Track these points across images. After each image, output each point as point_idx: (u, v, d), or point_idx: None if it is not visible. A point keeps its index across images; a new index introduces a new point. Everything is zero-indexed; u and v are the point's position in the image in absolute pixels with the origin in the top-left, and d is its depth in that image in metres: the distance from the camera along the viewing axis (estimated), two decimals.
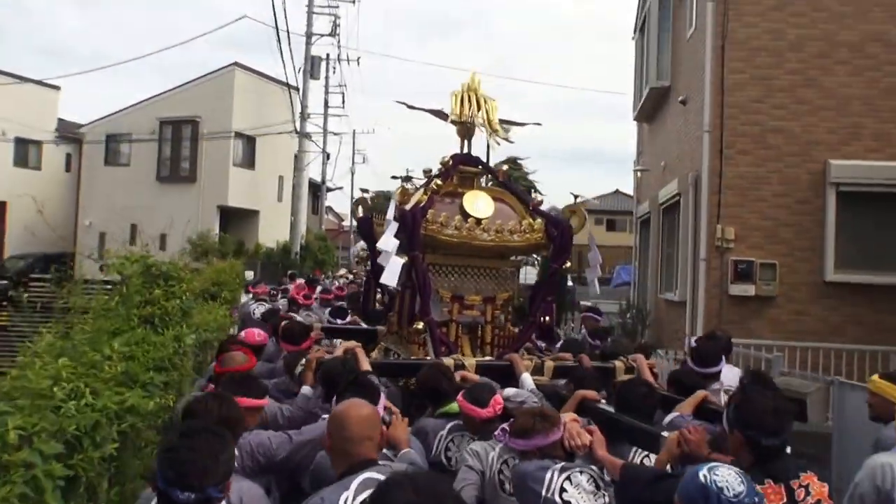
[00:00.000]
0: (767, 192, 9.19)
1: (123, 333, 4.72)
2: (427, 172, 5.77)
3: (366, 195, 6.27)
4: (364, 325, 6.67)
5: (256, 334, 5.71)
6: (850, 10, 9.00)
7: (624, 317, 14.02)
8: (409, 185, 6.11)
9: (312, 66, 26.59)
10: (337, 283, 16.60)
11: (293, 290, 10.60)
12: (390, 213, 5.25)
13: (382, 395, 3.52)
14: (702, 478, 2.18)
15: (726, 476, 2.17)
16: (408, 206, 5.23)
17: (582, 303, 17.31)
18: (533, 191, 17.51)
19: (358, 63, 32.41)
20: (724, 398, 4.38)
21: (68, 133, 30.29)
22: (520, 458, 3.17)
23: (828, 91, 9.09)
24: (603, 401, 4.03)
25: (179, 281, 5.38)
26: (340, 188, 36.83)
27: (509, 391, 4.24)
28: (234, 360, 4.39)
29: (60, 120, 30.91)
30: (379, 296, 6.48)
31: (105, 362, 3.65)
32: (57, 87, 30.47)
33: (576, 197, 5.79)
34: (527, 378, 4.58)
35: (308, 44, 25.67)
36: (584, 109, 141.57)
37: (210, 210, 26.54)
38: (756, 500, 2.17)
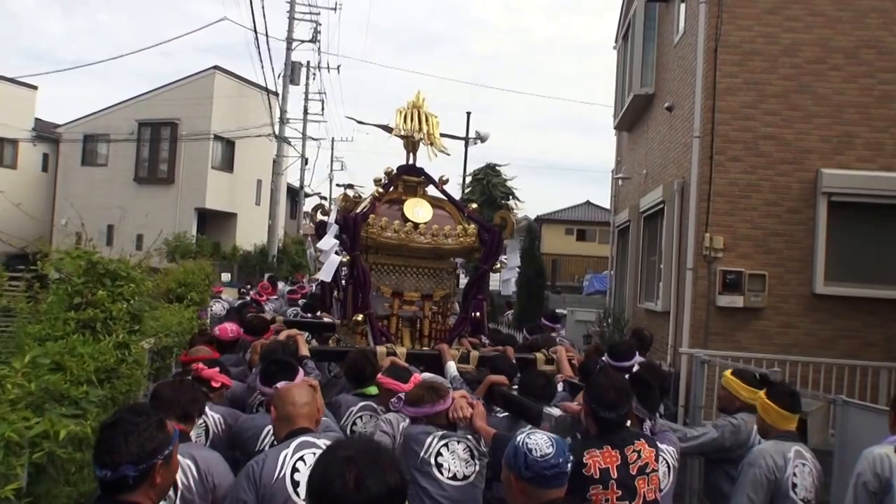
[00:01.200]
0: (758, 201, 8.54)
1: (55, 340, 3.92)
2: (377, 181, 5.99)
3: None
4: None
5: (229, 330, 5.89)
6: (847, 15, 8.38)
7: (601, 325, 13.36)
8: (350, 192, 6.62)
9: (292, 72, 25.80)
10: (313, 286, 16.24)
11: (257, 291, 11.85)
12: (332, 217, 5.73)
13: (300, 371, 3.85)
14: (518, 441, 2.42)
15: (538, 440, 2.38)
16: (357, 211, 5.68)
17: (557, 310, 16.70)
18: (511, 197, 16.85)
19: (338, 71, 31.64)
20: None
21: (45, 133, 29.15)
22: (410, 423, 3.57)
23: (821, 97, 8.45)
24: (516, 386, 4.35)
25: (130, 281, 4.56)
26: (318, 193, 35.89)
27: (427, 374, 4.61)
28: (199, 352, 4.59)
29: (38, 120, 29.75)
30: (335, 293, 6.57)
31: (13, 377, 2.84)
32: (34, 87, 29.30)
33: (506, 206, 7.02)
34: (451, 366, 4.86)
35: (289, 49, 24.86)
36: (555, 121, 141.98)
37: (187, 212, 25.59)
38: (561, 461, 2.35)
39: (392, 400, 3.94)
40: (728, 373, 4.38)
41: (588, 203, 49.44)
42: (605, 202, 48.94)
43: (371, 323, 5.53)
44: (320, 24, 26.25)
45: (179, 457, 2.46)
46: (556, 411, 3.48)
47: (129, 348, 4.30)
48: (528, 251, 14.44)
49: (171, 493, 2.61)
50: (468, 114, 23.75)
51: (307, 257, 7.79)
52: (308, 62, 30.00)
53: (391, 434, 3.65)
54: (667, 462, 3.40)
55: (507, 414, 4.25)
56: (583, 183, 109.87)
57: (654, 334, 11.00)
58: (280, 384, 3.44)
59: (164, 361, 6.43)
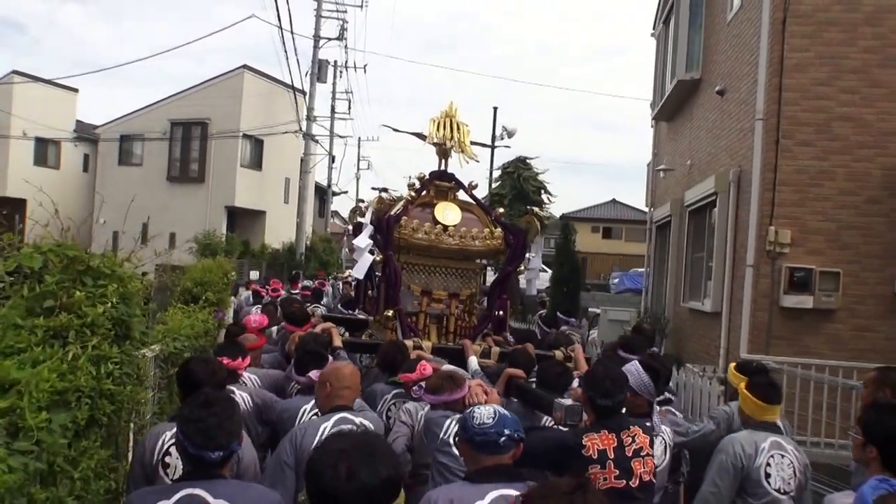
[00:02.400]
0: (832, 190, 7.35)
1: (17, 354, 2.96)
2: (411, 186, 6.10)
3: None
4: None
5: (252, 320, 5.83)
6: None
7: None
8: (385, 195, 6.44)
9: (319, 70, 24.86)
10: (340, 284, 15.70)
11: (265, 287, 11.81)
12: (367, 218, 5.81)
13: (330, 360, 4.02)
14: (468, 411, 2.59)
15: (482, 411, 2.53)
16: (390, 213, 5.75)
17: (590, 309, 15.56)
18: (543, 191, 15.72)
19: (364, 70, 30.58)
20: None
21: (85, 133, 28.64)
22: (430, 409, 3.67)
23: None
24: (534, 378, 4.35)
25: (117, 280, 3.58)
26: (346, 192, 35.04)
27: (448, 368, 4.53)
28: (248, 339, 4.81)
29: (79, 121, 29.24)
30: (370, 290, 6.61)
31: None
32: (75, 90, 28.73)
33: (530, 210, 6.45)
34: (473, 360, 4.95)
35: (316, 46, 23.90)
36: (580, 120, 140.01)
37: (218, 210, 24.79)
38: (495, 432, 2.44)
39: (414, 388, 4.09)
40: (731, 366, 4.39)
41: (614, 201, 48.17)
42: (631, 199, 47.61)
43: (400, 318, 5.62)
44: (347, 22, 25.28)
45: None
46: (567, 401, 3.51)
47: (110, 361, 3.32)
48: (563, 248, 13.29)
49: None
50: (495, 108, 22.64)
51: (342, 256, 7.65)
52: (335, 61, 29.15)
53: (410, 423, 3.76)
54: (664, 441, 3.61)
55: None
56: (608, 181, 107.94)
57: (702, 336, 9.92)
58: (329, 365, 3.69)
59: (176, 369, 5.49)
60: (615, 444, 3.01)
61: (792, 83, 7.43)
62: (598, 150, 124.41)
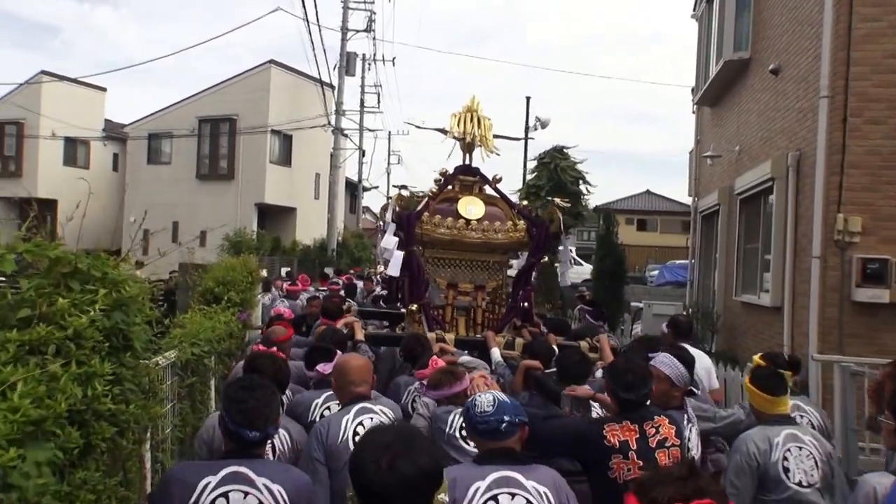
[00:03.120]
0: None
1: None
2: (438, 180, 6.09)
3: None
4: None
5: (287, 312, 6.46)
6: None
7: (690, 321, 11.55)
8: (405, 192, 6.26)
9: (348, 63, 24.44)
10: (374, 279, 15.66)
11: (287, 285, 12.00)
12: (388, 216, 5.83)
13: (338, 354, 3.95)
14: (470, 399, 2.68)
15: (483, 399, 2.59)
16: (411, 209, 5.83)
17: (633, 303, 14.90)
18: (582, 181, 15.05)
19: (393, 63, 30.10)
20: None
21: (114, 133, 28.64)
22: (435, 405, 3.63)
23: None
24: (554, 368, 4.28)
25: (110, 284, 3.11)
26: (376, 187, 34.62)
27: (464, 358, 4.65)
28: (276, 332, 4.74)
29: (107, 121, 29.25)
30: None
31: None
32: (103, 89, 28.74)
33: (552, 201, 6.35)
34: (495, 352, 4.95)
35: (343, 39, 23.48)
36: (612, 111, 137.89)
37: (248, 207, 24.55)
38: (496, 417, 2.51)
39: (415, 385, 4.12)
40: (757, 357, 4.23)
41: (648, 192, 47.12)
42: (666, 190, 46.51)
43: (425, 312, 5.72)
44: (375, 13, 24.79)
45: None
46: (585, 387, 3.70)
47: (101, 378, 2.85)
48: (605, 240, 12.61)
49: (269, 452, 2.90)
50: (527, 98, 22.10)
51: (378, 252, 7.44)
52: (363, 54, 28.71)
53: (426, 416, 3.69)
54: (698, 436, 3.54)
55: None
56: (642, 171, 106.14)
57: (759, 332, 9.25)
58: (341, 357, 3.70)
59: (198, 376, 5.05)
60: (637, 435, 2.99)
61: (860, 56, 6.75)
62: (630, 141, 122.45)
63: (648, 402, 3.15)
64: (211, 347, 5.29)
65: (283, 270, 19.44)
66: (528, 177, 15.52)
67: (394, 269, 5.64)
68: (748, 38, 10.20)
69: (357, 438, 2.94)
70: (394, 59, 31.02)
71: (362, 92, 29.48)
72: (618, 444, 2.93)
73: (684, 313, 11.17)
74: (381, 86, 31.56)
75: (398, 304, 7.15)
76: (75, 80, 26.00)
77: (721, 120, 12.12)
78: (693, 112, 14.78)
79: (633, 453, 2.93)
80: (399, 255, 5.56)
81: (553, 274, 15.37)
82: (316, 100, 23.37)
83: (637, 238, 42.14)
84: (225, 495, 2.40)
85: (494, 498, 2.43)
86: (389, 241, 5.60)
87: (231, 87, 24.83)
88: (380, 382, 4.38)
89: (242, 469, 2.43)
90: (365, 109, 28.29)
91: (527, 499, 2.46)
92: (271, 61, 24.54)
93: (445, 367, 3.87)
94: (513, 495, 2.45)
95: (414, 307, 5.75)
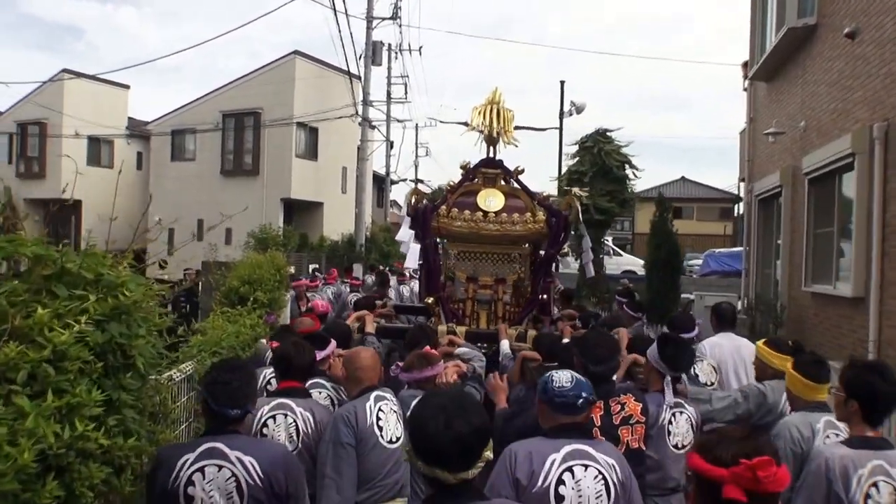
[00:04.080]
0: None
1: None
2: (463, 168, 6.09)
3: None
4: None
5: (321, 305, 6.71)
6: None
7: (748, 313, 10.74)
8: (421, 186, 6.16)
9: (374, 52, 23.77)
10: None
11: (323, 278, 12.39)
12: (404, 210, 5.98)
13: (332, 343, 4.16)
14: (548, 375, 2.76)
15: (561, 375, 2.70)
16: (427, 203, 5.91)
17: (683, 295, 14.08)
18: (628, 165, 14.24)
19: (420, 52, 29.42)
20: (702, 365, 4.71)
21: (137, 131, 28.33)
22: (406, 388, 3.90)
23: None
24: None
25: (104, 288, 2.48)
26: (405, 180, 34.00)
27: (461, 350, 4.86)
28: (303, 323, 4.95)
29: (131, 119, 28.95)
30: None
31: None
32: (126, 86, 28.44)
33: (569, 190, 6.35)
34: (504, 344, 5.07)
35: (369, 27, 22.78)
36: (642, 99, 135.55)
37: (274, 202, 24.04)
38: (573, 394, 2.62)
39: (392, 367, 4.10)
40: (760, 343, 4.21)
41: (683, 179, 45.93)
42: (701, 177, 45.02)
43: (442, 305, 5.77)
44: (401, 0, 24.09)
45: (300, 409, 3.30)
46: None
47: (86, 410, 2.22)
48: (660, 228, 11.77)
49: (294, 436, 3.28)
50: (562, 83, 21.26)
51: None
52: (389, 44, 28.04)
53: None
54: (690, 420, 3.56)
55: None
56: (675, 159, 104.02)
57: (835, 325, 8.43)
58: (349, 350, 3.88)
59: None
60: (602, 411, 3.11)
61: None
62: (662, 127, 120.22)
63: (614, 378, 3.41)
64: (235, 355, 4.68)
65: (311, 267, 18.92)
66: (570, 162, 14.71)
67: (411, 262, 5.79)
68: (814, 2, 9.34)
69: (380, 423, 3.33)
70: (420, 48, 30.29)
71: (388, 83, 28.87)
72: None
73: (728, 302, 10.38)
74: (407, 76, 30.84)
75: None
76: (97, 78, 25.69)
77: (780, 95, 11.25)
78: (744, 89, 13.91)
79: (597, 429, 3.06)
80: (416, 248, 5.67)
81: (598, 267, 14.66)
82: (342, 91, 22.77)
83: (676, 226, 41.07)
84: (201, 470, 2.51)
85: (570, 469, 2.55)
86: (405, 234, 5.72)
87: (255, 79, 24.32)
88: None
89: (217, 444, 2.55)
90: (392, 100, 27.62)
91: (598, 469, 2.57)
92: (295, 52, 23.99)
93: (421, 352, 3.99)
94: (586, 466, 2.56)
95: (430, 300, 5.84)
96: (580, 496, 2.52)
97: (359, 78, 22.59)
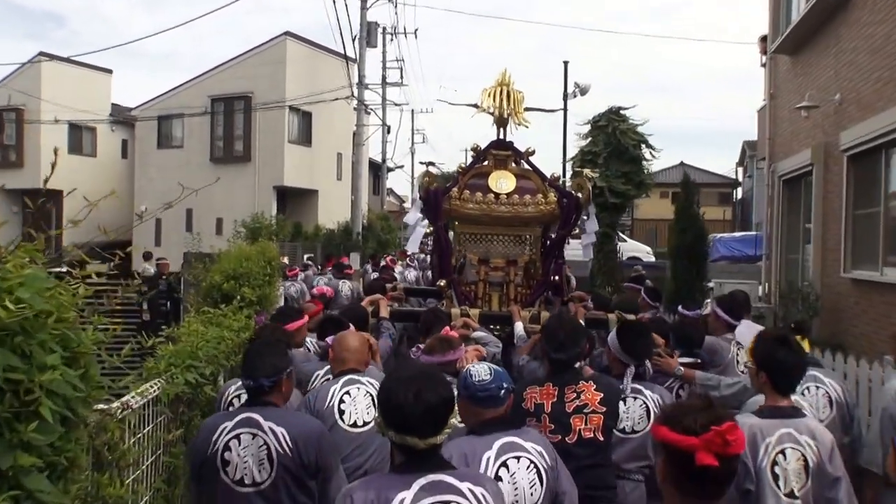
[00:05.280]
0: None
1: None
2: (472, 156, 6.25)
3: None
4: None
5: (326, 291, 7.85)
6: None
7: (773, 301, 10.02)
8: (433, 169, 6.36)
9: (369, 34, 22.90)
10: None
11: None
12: (415, 193, 6.37)
13: (351, 327, 4.18)
14: (465, 370, 2.72)
15: (479, 369, 2.65)
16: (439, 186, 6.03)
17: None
18: (644, 145, 13.48)
19: (416, 35, 28.49)
20: (734, 350, 4.73)
21: (121, 117, 27.36)
22: None
23: None
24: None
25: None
26: (401, 167, 33.17)
27: (478, 334, 4.92)
28: (309, 308, 5.33)
29: (114, 105, 27.94)
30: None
31: None
32: (109, 71, 27.50)
33: (580, 172, 6.56)
34: (518, 326, 5.10)
35: (363, 8, 21.93)
36: (640, 84, 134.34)
37: (266, 190, 23.26)
38: (493, 387, 2.57)
39: (412, 349, 4.36)
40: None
41: (682, 164, 45.21)
42: (700, 162, 44.40)
43: (454, 287, 5.78)
44: None
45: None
46: None
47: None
48: (684, 211, 10.97)
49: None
50: (565, 63, 20.45)
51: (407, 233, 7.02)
52: (384, 27, 27.13)
53: None
54: (646, 406, 3.54)
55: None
56: (674, 144, 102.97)
57: (884, 315, 7.72)
58: (339, 334, 3.85)
59: (199, 408, 3.67)
60: (555, 399, 3.10)
61: None
62: (657, 111, 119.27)
63: (578, 364, 3.43)
64: (216, 368, 3.91)
65: (306, 257, 18.19)
66: (582, 143, 13.92)
67: (413, 245, 5.87)
68: None
69: (342, 406, 3.34)
70: (416, 30, 29.33)
71: (384, 67, 28.00)
72: (533, 407, 3.08)
73: (741, 290, 9.69)
74: (403, 60, 29.99)
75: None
76: (77, 62, 24.55)
77: (808, 67, 10.48)
78: (762, 65, 13.17)
79: (546, 416, 3.08)
80: (419, 232, 5.72)
81: (612, 255, 13.93)
82: (335, 74, 21.93)
83: (671, 212, 40.39)
84: (237, 437, 2.71)
85: (504, 464, 2.54)
86: (412, 217, 5.75)
87: (245, 62, 23.44)
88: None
89: (254, 415, 2.75)
90: (388, 84, 26.76)
91: (529, 459, 2.58)
92: (287, 33, 23.11)
93: (442, 336, 3.99)
94: (518, 458, 2.56)
95: (443, 283, 5.87)
96: (516, 489, 2.52)
97: (354, 60, 21.74)
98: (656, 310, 6.94)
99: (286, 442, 2.68)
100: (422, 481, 1.99)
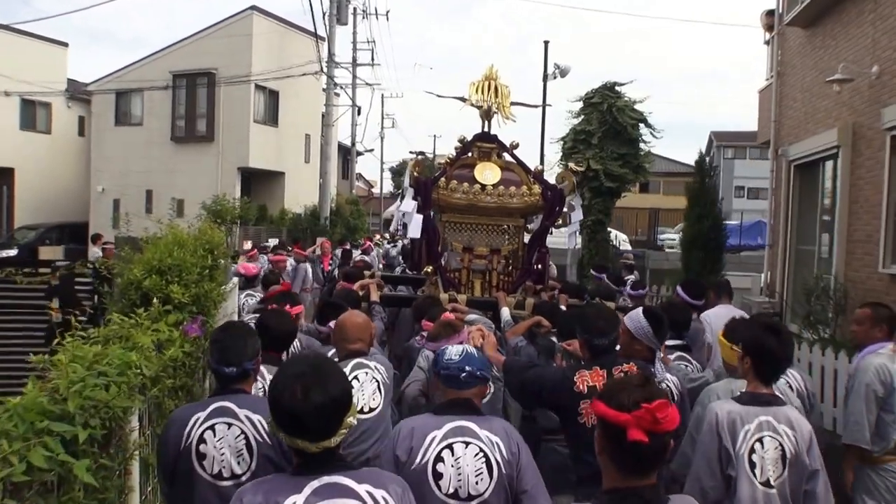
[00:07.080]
0: None
1: None
2: (457, 147, 6.13)
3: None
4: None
5: (252, 267, 7.45)
6: None
7: (802, 297, 8.70)
8: (422, 157, 6.43)
9: (339, 10, 21.20)
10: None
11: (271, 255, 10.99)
12: (407, 181, 5.93)
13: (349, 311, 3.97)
14: (442, 348, 2.75)
15: (452, 349, 2.68)
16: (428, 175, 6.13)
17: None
18: (644, 124, 12.08)
19: (387, 18, 26.83)
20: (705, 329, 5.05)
21: (78, 93, 25.15)
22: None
23: None
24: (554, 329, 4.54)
25: None
26: (371, 150, 31.47)
27: (471, 317, 4.87)
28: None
29: (70, 80, 25.69)
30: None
31: None
32: (65, 44, 25.22)
33: (566, 165, 6.98)
34: (505, 311, 5.14)
35: None
36: (610, 70, 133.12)
37: (230, 172, 21.45)
38: (458, 366, 2.57)
39: (416, 338, 4.41)
40: (719, 333, 4.03)
41: (648, 152, 44.28)
42: (666, 151, 43.26)
43: (441, 273, 5.87)
44: None
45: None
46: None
47: None
48: (699, 196, 9.45)
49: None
50: (546, 43, 18.98)
51: (396, 217, 6.59)
52: (355, 7, 25.36)
53: (426, 370, 3.66)
54: (670, 390, 3.48)
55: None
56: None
57: None
58: (342, 316, 3.68)
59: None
60: (604, 379, 3.01)
61: None
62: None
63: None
64: (109, 421, 2.37)
65: (271, 241, 16.57)
66: (574, 121, 12.43)
67: (414, 232, 5.71)
68: None
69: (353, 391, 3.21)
70: (388, 12, 27.64)
71: (354, 49, 26.23)
72: (586, 389, 2.97)
73: (724, 279, 8.40)
74: (374, 41, 28.25)
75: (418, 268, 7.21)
76: (28, 33, 22.35)
77: (830, 40, 9.17)
78: (766, 42, 11.85)
79: None
80: (419, 218, 5.65)
81: (605, 244, 12.59)
82: (305, 52, 20.19)
83: (638, 201, 39.31)
84: (212, 428, 2.50)
85: (449, 447, 2.45)
86: (409, 204, 5.69)
87: (209, 37, 21.53)
88: (399, 344, 5.30)
89: (227, 403, 2.55)
90: (358, 64, 25.03)
91: (479, 447, 2.47)
92: (253, 7, 21.22)
93: (445, 320, 4.02)
94: (467, 444, 2.46)
95: (429, 269, 5.93)
96: (460, 474, 2.42)
97: (323, 39, 20.01)
98: (621, 293, 7.61)
99: (263, 429, 2.50)
100: (315, 484, 1.80)
